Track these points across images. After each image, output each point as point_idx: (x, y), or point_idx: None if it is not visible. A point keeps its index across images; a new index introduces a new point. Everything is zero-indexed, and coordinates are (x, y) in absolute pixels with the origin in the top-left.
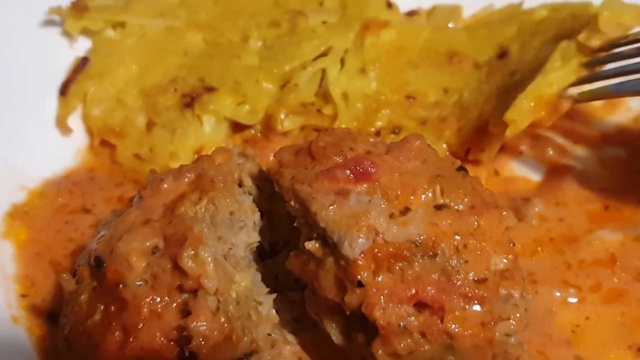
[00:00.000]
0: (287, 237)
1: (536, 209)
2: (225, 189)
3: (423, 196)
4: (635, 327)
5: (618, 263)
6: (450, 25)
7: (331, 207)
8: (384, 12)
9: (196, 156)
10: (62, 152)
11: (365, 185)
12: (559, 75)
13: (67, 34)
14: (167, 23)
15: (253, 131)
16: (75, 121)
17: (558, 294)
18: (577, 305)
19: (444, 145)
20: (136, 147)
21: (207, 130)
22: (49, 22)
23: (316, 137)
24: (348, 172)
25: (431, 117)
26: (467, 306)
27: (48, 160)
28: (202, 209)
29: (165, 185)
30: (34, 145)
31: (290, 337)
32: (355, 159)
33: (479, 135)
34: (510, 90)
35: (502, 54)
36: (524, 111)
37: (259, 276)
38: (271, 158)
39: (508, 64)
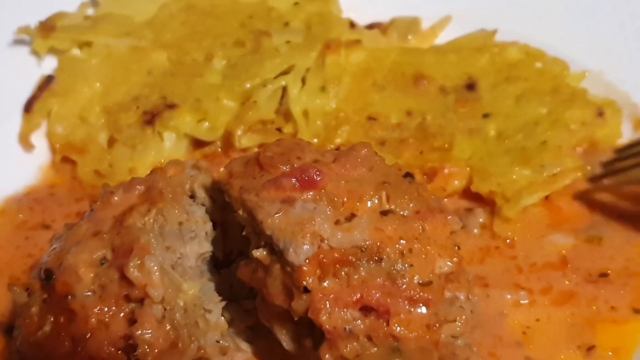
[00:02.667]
0: (241, 247)
1: (480, 219)
2: (174, 200)
3: (369, 202)
4: (585, 328)
5: (569, 265)
6: (409, 37)
7: (277, 215)
8: (347, 33)
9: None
10: (24, 168)
11: (311, 193)
12: (571, 174)
13: (35, 52)
14: (133, 43)
15: (213, 147)
16: (37, 138)
17: (509, 296)
18: (528, 307)
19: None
20: (96, 164)
21: (168, 147)
22: (17, 41)
23: (264, 148)
24: (294, 180)
25: (391, 138)
26: (412, 309)
27: (9, 177)
28: (151, 220)
29: (115, 198)
30: None
31: (244, 345)
32: (301, 168)
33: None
34: (488, 140)
35: (471, 85)
36: (530, 198)
37: (211, 285)
38: (222, 169)
39: (478, 100)
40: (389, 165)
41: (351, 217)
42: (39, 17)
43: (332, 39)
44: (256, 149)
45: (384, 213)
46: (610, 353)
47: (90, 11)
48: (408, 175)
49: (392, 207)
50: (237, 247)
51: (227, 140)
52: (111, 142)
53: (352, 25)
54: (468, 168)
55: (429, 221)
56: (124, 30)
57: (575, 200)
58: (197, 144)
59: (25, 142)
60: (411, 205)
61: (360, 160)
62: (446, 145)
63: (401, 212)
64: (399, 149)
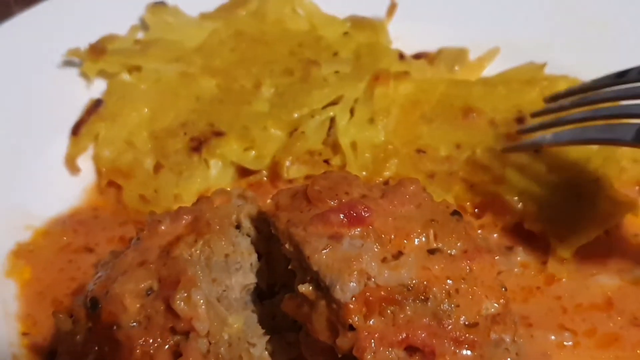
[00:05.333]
0: (285, 279)
1: (519, 258)
2: (221, 232)
3: (416, 240)
4: None
5: (614, 307)
6: (456, 68)
7: (324, 251)
8: (396, 64)
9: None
10: (69, 191)
11: (358, 230)
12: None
13: (84, 75)
14: (182, 68)
15: (259, 177)
16: (83, 160)
17: (553, 337)
18: (572, 349)
19: (453, 202)
20: (142, 189)
21: (213, 174)
22: (67, 63)
23: (312, 180)
24: (342, 216)
25: (440, 171)
26: (457, 350)
27: (54, 199)
28: (197, 251)
29: (162, 227)
30: (41, 183)
31: None
32: (349, 203)
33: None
34: (539, 175)
35: (520, 119)
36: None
37: (254, 317)
38: (269, 200)
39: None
40: (437, 202)
41: (398, 255)
42: (89, 39)
43: (381, 70)
44: (303, 180)
45: (432, 252)
46: None
47: (140, 34)
48: (456, 213)
49: (440, 245)
50: (281, 279)
51: (274, 170)
52: (157, 167)
53: (401, 56)
54: (520, 204)
55: (477, 261)
56: (174, 55)
57: (624, 238)
58: (243, 172)
59: (71, 164)
60: (459, 244)
61: (409, 196)
62: (497, 179)
63: (448, 251)
64: (448, 182)
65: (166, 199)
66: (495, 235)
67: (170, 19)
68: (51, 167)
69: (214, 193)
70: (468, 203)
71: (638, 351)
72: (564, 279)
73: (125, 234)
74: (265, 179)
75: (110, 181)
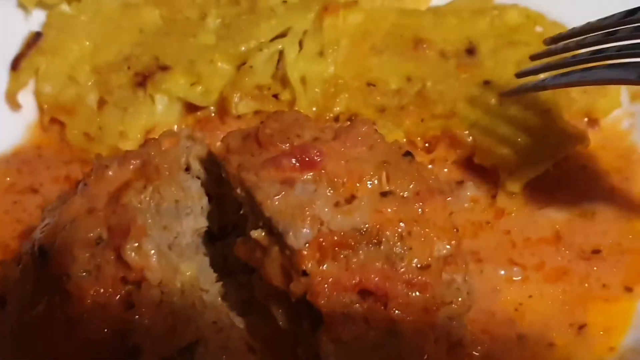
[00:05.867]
0: (236, 220)
1: (468, 193)
2: (170, 177)
3: (369, 183)
4: (577, 306)
5: (563, 241)
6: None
7: (276, 197)
8: None
9: (146, 137)
10: (10, 128)
11: (311, 174)
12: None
13: (22, 6)
14: None
15: (207, 112)
16: (24, 96)
17: (502, 272)
18: (521, 284)
19: (403, 137)
20: (86, 126)
21: (160, 110)
22: None
23: (263, 123)
24: (294, 160)
25: (391, 105)
26: (410, 293)
27: None
28: (147, 198)
29: (110, 173)
30: None
31: (238, 321)
32: (301, 147)
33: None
34: (489, 108)
35: (471, 50)
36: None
37: (206, 261)
38: (219, 143)
39: (478, 65)
40: (389, 143)
41: (351, 198)
42: None
43: (330, 1)
44: (252, 115)
45: (384, 194)
46: (601, 332)
47: None
48: (408, 154)
49: (392, 188)
50: (232, 220)
51: (222, 106)
52: (101, 103)
53: None
54: (471, 138)
55: (429, 203)
56: None
57: (571, 171)
58: (190, 108)
59: (12, 100)
60: (411, 186)
61: (361, 138)
62: (448, 113)
63: (401, 193)
64: (399, 116)
65: (111, 136)
66: (445, 169)
67: None
68: None
69: (162, 135)
70: (419, 138)
71: (585, 284)
72: (513, 213)
73: (71, 173)
74: (213, 114)
75: (53, 118)
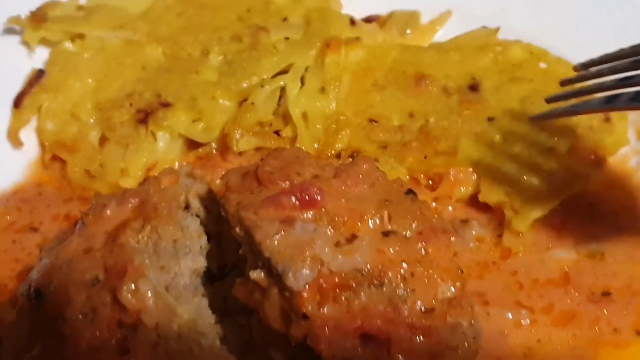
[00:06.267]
0: (235, 259)
1: (473, 232)
2: (169, 216)
3: (370, 222)
4: (587, 350)
5: (571, 282)
6: (408, 32)
7: (276, 236)
8: (347, 30)
9: (147, 174)
10: (12, 166)
11: (311, 213)
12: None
13: (25, 44)
14: (127, 36)
15: (208, 149)
16: (25, 133)
17: (510, 315)
18: (529, 327)
19: (406, 174)
20: (87, 163)
21: (161, 147)
22: (7, 31)
23: (263, 160)
24: (294, 198)
25: (393, 141)
26: (414, 337)
27: None
28: (145, 238)
29: (108, 212)
30: None
31: None
32: (301, 185)
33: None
34: (494, 145)
35: (474, 86)
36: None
37: (205, 302)
38: (218, 181)
39: (482, 101)
40: (391, 181)
41: (352, 238)
42: (29, 6)
43: (332, 37)
44: (253, 152)
45: (386, 234)
46: None
47: (83, 0)
48: (410, 192)
49: (394, 227)
50: (232, 259)
51: (223, 142)
52: (103, 140)
53: (353, 22)
54: (475, 175)
55: (432, 242)
56: (118, 22)
57: (579, 209)
58: (192, 144)
59: (14, 138)
60: (413, 225)
61: (362, 176)
62: (451, 150)
63: (403, 233)
64: (402, 153)
65: (112, 174)
66: (449, 207)
67: None
68: None
69: (162, 173)
70: (422, 175)
71: (596, 328)
72: (519, 254)
73: (71, 211)
74: (214, 151)
75: (54, 155)
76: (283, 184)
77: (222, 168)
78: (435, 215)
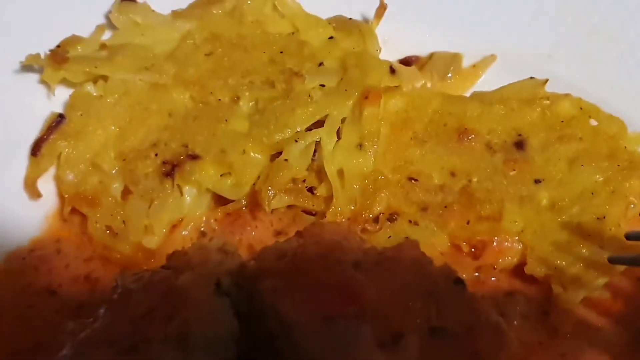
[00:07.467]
0: (267, 349)
1: (518, 308)
2: (201, 305)
3: (416, 318)
4: None
5: None
6: (449, 75)
7: (317, 337)
8: (387, 79)
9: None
10: (28, 218)
11: (353, 309)
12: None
13: (44, 83)
14: (153, 79)
15: (237, 205)
16: (42, 181)
17: None
18: None
19: (447, 240)
20: (108, 219)
21: (188, 202)
22: (25, 69)
23: (301, 246)
24: (335, 293)
25: (433, 202)
26: None
27: (12, 228)
28: (173, 330)
29: (134, 296)
30: None
31: None
32: (344, 279)
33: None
34: (540, 211)
35: (520, 143)
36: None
37: None
38: (252, 261)
39: (528, 161)
40: (438, 269)
41: (397, 337)
42: (48, 38)
43: (371, 88)
44: (284, 210)
45: (433, 331)
46: None
47: (106, 34)
48: (459, 281)
49: (442, 323)
50: (264, 348)
51: (253, 198)
52: (125, 193)
53: (393, 70)
54: (521, 244)
55: (484, 341)
56: (143, 63)
57: (629, 283)
58: (220, 199)
59: (31, 189)
60: (463, 321)
61: (407, 265)
62: (495, 215)
63: (452, 330)
64: (443, 217)
65: (135, 232)
66: (493, 278)
67: (139, 18)
68: (8, 192)
69: (191, 249)
70: (464, 242)
71: None
72: (568, 334)
73: (91, 272)
74: (244, 207)
75: (74, 208)
76: (324, 275)
77: (251, 227)
78: (486, 307)
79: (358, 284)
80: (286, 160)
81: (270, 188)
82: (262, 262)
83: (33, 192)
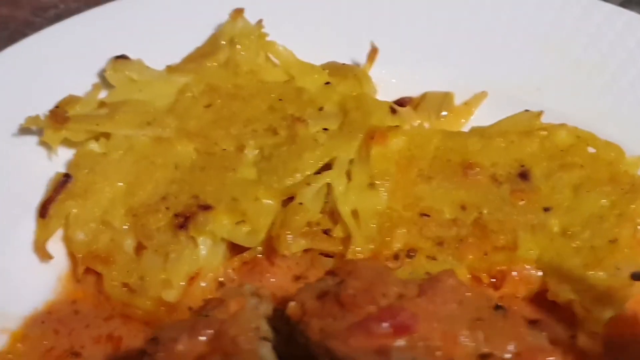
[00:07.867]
0: None
1: (544, 334)
2: (249, 350)
3: (465, 345)
4: None
5: None
6: (442, 113)
7: None
8: (389, 119)
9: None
10: (41, 281)
11: (405, 339)
12: None
13: (44, 144)
14: (156, 133)
15: (254, 253)
16: (52, 243)
17: None
18: None
19: (467, 273)
20: (125, 276)
21: (203, 253)
22: (25, 131)
23: (344, 282)
24: (385, 325)
25: (448, 236)
26: None
27: (26, 292)
28: None
29: (180, 347)
30: (9, 276)
31: None
32: (392, 310)
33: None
34: (553, 238)
35: (524, 174)
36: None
37: None
38: (292, 303)
39: (535, 191)
40: (477, 295)
41: None
42: (43, 100)
43: (376, 128)
44: (301, 254)
45: (483, 357)
46: None
47: (102, 93)
48: (499, 307)
49: (490, 349)
50: None
51: (269, 245)
52: (139, 249)
53: (393, 110)
54: (540, 272)
55: None
56: (145, 118)
57: None
58: (235, 247)
59: (41, 251)
60: (511, 346)
61: (449, 293)
62: (511, 244)
63: (501, 355)
64: (460, 250)
65: (154, 287)
66: (515, 307)
67: (135, 75)
68: (18, 255)
69: (227, 296)
70: (484, 274)
71: None
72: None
73: (113, 331)
74: (260, 255)
75: (87, 267)
76: (370, 307)
77: (270, 274)
78: (530, 330)
79: (408, 315)
80: (301, 203)
81: (289, 232)
82: (302, 303)
83: (44, 254)
